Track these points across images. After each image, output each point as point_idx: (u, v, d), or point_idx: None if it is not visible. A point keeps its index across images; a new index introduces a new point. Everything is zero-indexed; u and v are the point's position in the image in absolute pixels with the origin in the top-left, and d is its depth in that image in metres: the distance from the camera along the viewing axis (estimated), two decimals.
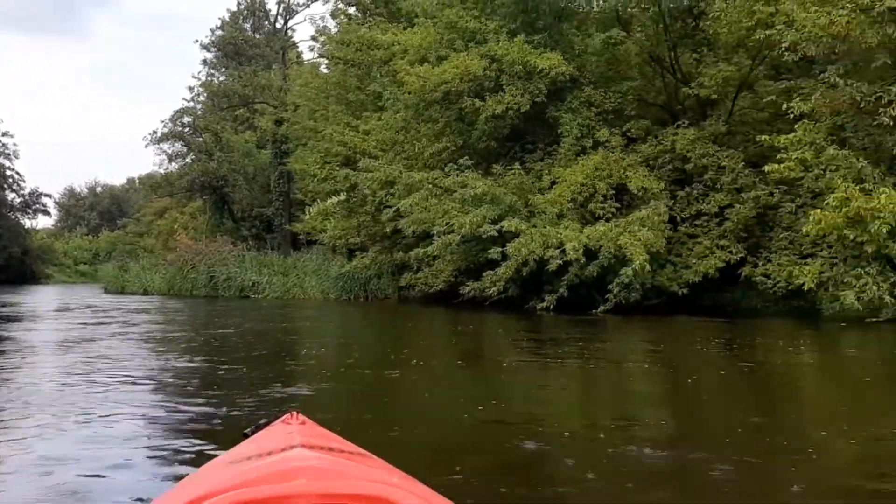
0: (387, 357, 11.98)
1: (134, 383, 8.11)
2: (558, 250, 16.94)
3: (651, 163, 19.25)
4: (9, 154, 70.35)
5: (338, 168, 24.22)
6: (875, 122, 13.17)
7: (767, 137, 16.43)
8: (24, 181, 71.66)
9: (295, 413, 1.85)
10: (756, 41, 18.30)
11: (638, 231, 16.70)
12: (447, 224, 18.27)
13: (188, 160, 37.97)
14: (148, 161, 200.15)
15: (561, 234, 17.16)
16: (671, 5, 20.15)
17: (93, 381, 8.01)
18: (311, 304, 25.66)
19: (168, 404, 6.86)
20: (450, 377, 10.10)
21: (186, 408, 6.54)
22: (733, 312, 18.33)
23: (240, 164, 38.38)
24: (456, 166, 18.97)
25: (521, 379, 9.55)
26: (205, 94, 49.57)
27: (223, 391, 8.00)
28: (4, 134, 70.33)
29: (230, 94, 36.83)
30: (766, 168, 15.75)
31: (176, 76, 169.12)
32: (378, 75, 23.75)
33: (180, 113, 40.08)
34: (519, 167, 18.92)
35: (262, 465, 1.39)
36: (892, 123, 12.74)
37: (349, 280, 26.01)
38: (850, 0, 12.68)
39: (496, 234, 17.55)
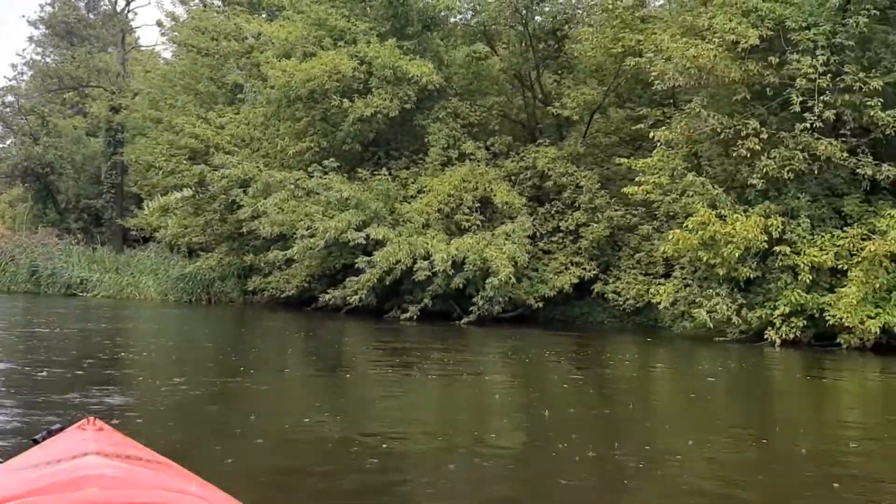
0: (230, 364, 11.59)
1: None
2: (426, 261, 16.80)
3: (513, 178, 19.57)
4: None
5: (185, 162, 22.85)
6: (733, 153, 13.99)
7: (627, 160, 17.14)
8: None
9: (92, 418, 1.71)
10: (614, 67, 19.20)
11: (504, 245, 16.87)
12: (309, 228, 17.66)
13: (8, 143, 34.60)
14: None
15: (428, 244, 17.03)
16: (537, 26, 20.67)
17: None
18: (147, 305, 24.02)
19: None
20: (302, 388, 9.82)
21: None
22: (582, 326, 19.06)
23: (68, 150, 35.45)
24: (321, 168, 18.39)
25: (376, 392, 9.58)
26: (30, 74, 45.71)
27: (28, 396, 7.42)
28: None
29: (61, 75, 33.92)
30: (626, 190, 16.38)
31: None
32: (236, 66, 22.69)
33: (2, 91, 36.64)
34: (385, 173, 18.62)
35: (49, 473, 1.27)
36: (748, 155, 13.57)
37: (191, 281, 24.58)
38: (718, 34, 13.43)
39: (363, 240, 17.15)
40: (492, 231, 17.73)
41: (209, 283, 24.48)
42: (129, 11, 36.25)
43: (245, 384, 9.35)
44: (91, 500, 1.13)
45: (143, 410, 7.35)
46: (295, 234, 18.86)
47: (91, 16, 44.87)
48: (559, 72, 21.40)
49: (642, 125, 19.14)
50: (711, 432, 7.36)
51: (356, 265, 17.26)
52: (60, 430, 1.82)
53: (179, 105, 24.75)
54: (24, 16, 47.11)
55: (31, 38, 47.61)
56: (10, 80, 47.94)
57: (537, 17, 20.23)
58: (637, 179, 16.31)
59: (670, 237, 14.17)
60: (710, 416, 8.55)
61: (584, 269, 18.61)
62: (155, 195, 32.18)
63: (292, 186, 18.04)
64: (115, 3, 35.99)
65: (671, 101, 18.64)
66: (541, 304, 18.47)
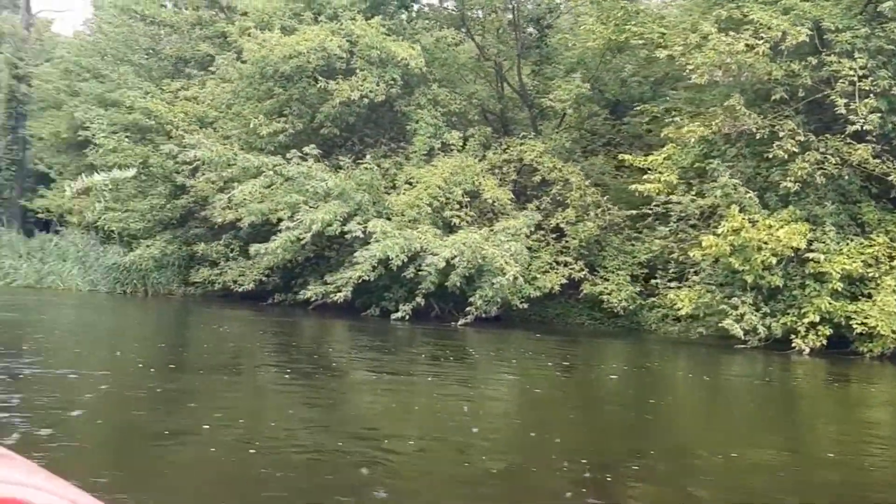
0: (182, 362, 10.55)
1: None
2: (425, 257, 15.62)
3: (495, 171, 18.64)
4: None
5: (127, 139, 20.65)
6: (767, 154, 13.57)
7: (631, 157, 16.55)
8: None
9: None
10: (602, 60, 18.63)
11: (505, 242, 15.92)
12: (292, 218, 16.11)
13: None
14: None
15: (423, 238, 15.84)
16: (520, 14, 19.81)
17: None
18: (74, 296, 21.62)
19: None
20: (270, 392, 8.81)
21: None
22: (564, 328, 18.44)
23: None
24: (300, 154, 16.83)
25: (361, 396, 8.82)
26: None
27: None
28: None
29: None
30: (635, 187, 15.77)
31: None
32: (196, 38, 20.63)
33: None
34: (370, 162, 17.25)
35: None
36: (786, 157, 13.18)
37: (125, 271, 22.31)
38: (762, 30, 12.94)
39: (360, 233, 15.79)
40: (490, 227, 16.72)
41: (146, 274, 22.31)
42: None
43: (202, 385, 8.47)
44: None
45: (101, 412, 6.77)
46: (260, 223, 17.36)
47: None
48: (539, 63, 20.60)
49: (638, 121, 18.80)
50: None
51: (355, 259, 15.79)
52: None
53: (115, 78, 22.39)
54: None
55: None
56: None
57: (528, 5, 19.31)
58: (645, 177, 15.75)
59: (703, 242, 13.58)
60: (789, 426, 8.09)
61: (573, 268, 17.91)
62: (68, 174, 29.42)
63: (271, 173, 16.40)
64: None
65: (665, 97, 18.29)
66: (525, 305, 17.63)
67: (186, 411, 7.11)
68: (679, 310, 14.78)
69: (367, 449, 5.84)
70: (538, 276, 17.72)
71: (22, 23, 32.45)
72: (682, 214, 15.44)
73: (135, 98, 19.96)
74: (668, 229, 15.65)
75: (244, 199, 16.34)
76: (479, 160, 18.32)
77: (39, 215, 30.25)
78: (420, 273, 15.76)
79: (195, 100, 20.11)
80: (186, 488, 4.66)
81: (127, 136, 20.75)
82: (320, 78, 17.27)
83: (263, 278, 19.22)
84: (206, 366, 9.91)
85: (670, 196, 15.51)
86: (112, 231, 23.11)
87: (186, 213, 21.68)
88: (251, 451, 5.53)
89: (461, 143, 18.31)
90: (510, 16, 20.14)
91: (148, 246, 21.33)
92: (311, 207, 16.06)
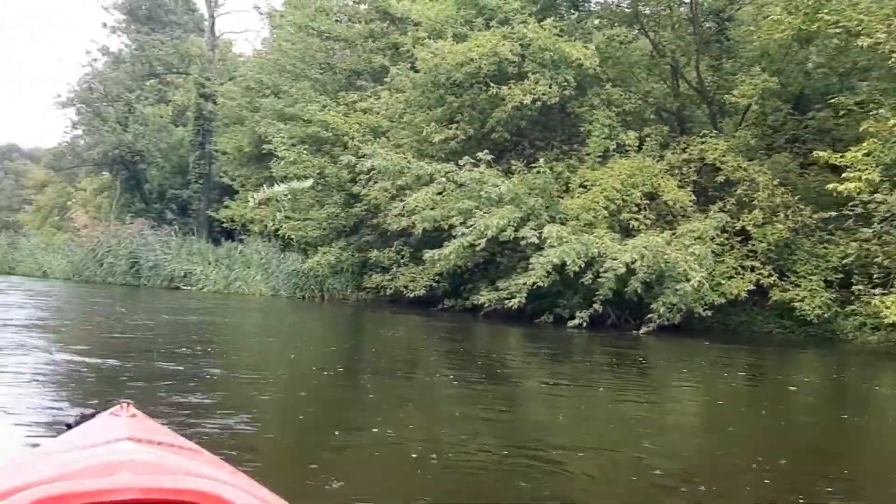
0: (363, 364, 10.54)
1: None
2: (611, 261, 15.09)
3: (675, 172, 17.81)
4: None
5: (305, 151, 21.47)
6: None
7: (826, 153, 15.33)
8: None
9: (125, 404, 1.62)
10: (789, 52, 17.37)
11: (690, 246, 15.14)
12: (465, 224, 16.09)
13: (100, 129, 33.49)
14: (11, 131, 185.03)
15: (600, 243, 15.35)
16: (699, 7, 18.87)
17: None
18: (259, 300, 22.73)
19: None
20: (449, 396, 8.49)
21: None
22: (751, 337, 17.29)
23: (154, 139, 34.41)
24: (472, 160, 16.78)
25: (544, 407, 8.19)
26: (104, 61, 44.94)
27: (149, 385, 6.91)
28: None
29: (151, 61, 32.83)
30: (833, 186, 14.57)
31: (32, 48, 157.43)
32: (369, 50, 21.19)
33: (90, 77, 35.54)
34: (543, 166, 16.94)
35: (82, 457, 1.26)
36: None
37: (304, 277, 23.23)
38: None
39: (535, 239, 15.53)
40: (672, 231, 15.97)
41: (322, 280, 23.12)
42: None
43: (372, 388, 8.40)
44: (123, 484, 1.11)
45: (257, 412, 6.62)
46: (430, 230, 17.45)
47: (170, 1, 43.97)
48: (718, 57, 19.55)
49: (825, 115, 17.48)
50: None
51: (530, 265, 15.55)
52: (94, 415, 1.77)
53: (293, 93, 23.36)
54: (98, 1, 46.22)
55: (105, 25, 46.97)
56: (83, 66, 47.49)
57: None
58: (844, 175, 14.51)
59: None
60: None
61: (761, 273, 16.79)
62: (250, 186, 31.07)
63: (444, 179, 16.47)
64: None
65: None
66: (709, 313, 16.67)
67: (355, 414, 7.07)
68: (885, 318, 13.45)
69: (535, 461, 5.52)
70: (723, 281, 16.75)
71: (207, 45, 34.67)
72: (887, 215, 14.08)
73: (313, 111, 20.69)
74: (871, 231, 14.30)
75: (417, 206, 16.47)
76: (657, 160, 17.58)
77: (224, 225, 32.09)
78: (599, 279, 15.27)
79: (369, 111, 20.60)
80: (346, 491, 4.53)
81: (305, 148, 21.56)
82: (492, 84, 17.16)
83: (433, 284, 19.41)
84: (377, 369, 9.94)
85: (874, 195, 14.21)
86: (291, 239, 24.12)
87: (359, 221, 22.27)
88: (413, 455, 5.35)
89: (637, 144, 17.66)
90: (687, 10, 19.25)
91: (325, 253, 22.06)
92: (484, 213, 15.96)
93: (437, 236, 17.91)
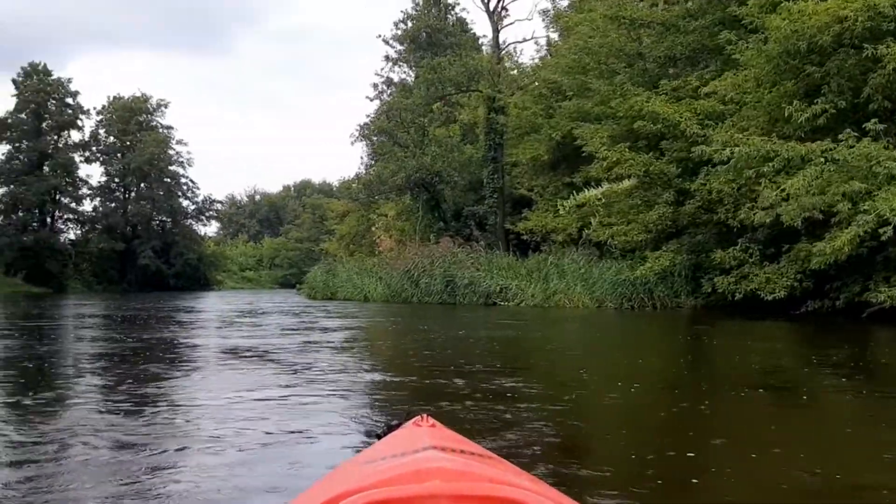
0: (716, 379, 8.42)
1: None
2: None
3: None
4: (183, 162, 70.74)
5: (627, 149, 19.96)
6: None
7: None
8: (198, 188, 71.85)
9: (425, 416, 1.70)
10: None
11: None
12: (853, 209, 13.60)
13: (398, 156, 34.67)
14: (304, 169, 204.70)
15: None
16: None
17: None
18: (580, 313, 21.46)
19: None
20: (843, 419, 6.07)
21: None
22: None
23: (449, 159, 34.92)
24: (854, 134, 14.23)
25: None
26: (392, 92, 46.84)
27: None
28: (179, 142, 70.76)
29: (443, 82, 33.36)
30: None
31: (302, 88, 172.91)
32: (694, 29, 19.26)
33: (386, 106, 37.06)
34: None
35: (395, 466, 1.30)
36: None
37: (630, 286, 21.65)
38: None
39: None
40: None
41: (651, 287, 21.39)
42: (502, 9, 34.84)
43: (737, 407, 6.39)
44: (434, 491, 1.14)
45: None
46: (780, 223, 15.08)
47: (449, 23, 44.93)
48: None
49: None
50: None
51: None
52: (397, 426, 1.83)
53: (602, 90, 22.01)
54: (379, 35, 48.39)
55: (386, 57, 49.12)
56: (371, 100, 50.02)
57: None
58: None
59: None
60: None
61: None
62: (548, 195, 30.25)
63: (822, 160, 14.09)
64: (488, 2, 34.75)
65: None
66: None
67: (723, 437, 5.26)
68: None
69: None
70: None
71: (494, 58, 34.57)
72: None
73: (637, 104, 19.12)
74: None
75: (793, 192, 14.21)
76: None
77: (524, 237, 31.50)
78: None
79: (700, 95, 18.64)
80: None
81: (628, 146, 20.08)
82: (866, 45, 14.51)
83: (794, 284, 16.96)
84: (741, 384, 7.91)
85: None
86: (610, 245, 22.71)
87: (691, 219, 20.30)
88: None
89: None
90: None
91: (657, 258, 20.32)
92: (881, 195, 13.37)
93: (789, 230, 15.61)
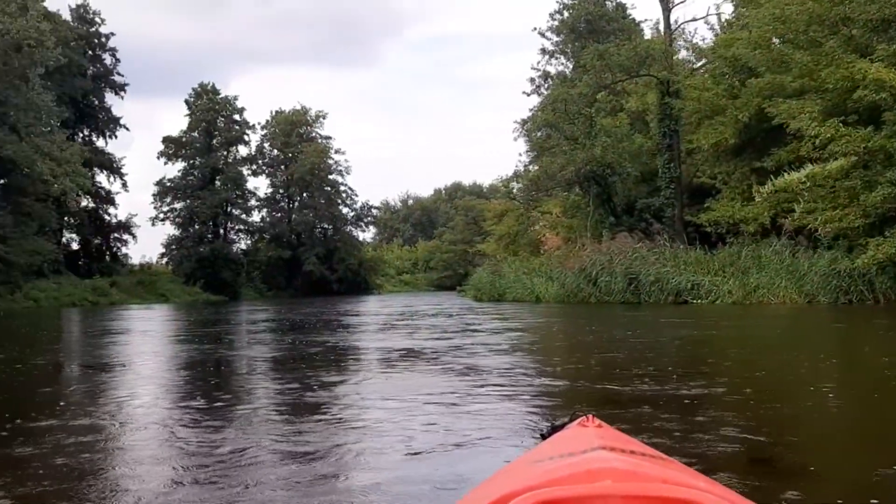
0: None
1: None
2: None
3: None
4: (341, 170, 72.39)
5: (841, 125, 17.72)
6: None
7: None
8: (356, 195, 73.32)
9: (591, 416, 1.61)
10: None
11: None
12: None
13: (565, 149, 33.22)
14: (454, 172, 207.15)
15: None
16: None
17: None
18: (786, 310, 19.27)
19: None
20: None
21: None
22: None
23: (620, 149, 33.09)
24: None
25: None
26: (550, 84, 45.65)
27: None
28: (337, 151, 72.49)
29: (612, 69, 31.63)
30: None
31: (445, 93, 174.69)
32: None
33: (549, 99, 35.86)
34: None
35: (564, 465, 1.25)
36: None
37: (845, 278, 19.32)
38: None
39: None
40: None
41: (872, 278, 18.98)
42: None
43: None
44: (606, 491, 1.10)
45: None
46: None
47: (609, 8, 43.14)
48: None
49: None
50: None
51: None
52: (562, 426, 1.75)
53: (805, 61, 19.77)
54: (535, 28, 47.25)
55: (543, 50, 47.83)
56: (528, 95, 48.85)
57: None
58: None
59: None
60: None
61: None
62: (734, 182, 28.00)
63: None
64: None
65: None
66: None
67: None
68: None
69: None
70: None
71: (666, 41, 32.55)
72: None
73: (852, 72, 16.91)
74: None
75: None
76: None
77: (705, 229, 29.31)
78: None
79: None
80: None
81: (841, 122, 17.85)
82: None
83: None
84: None
85: None
86: (818, 234, 20.39)
87: None
88: None
89: None
90: None
91: (878, 245, 17.97)
92: None
93: None
